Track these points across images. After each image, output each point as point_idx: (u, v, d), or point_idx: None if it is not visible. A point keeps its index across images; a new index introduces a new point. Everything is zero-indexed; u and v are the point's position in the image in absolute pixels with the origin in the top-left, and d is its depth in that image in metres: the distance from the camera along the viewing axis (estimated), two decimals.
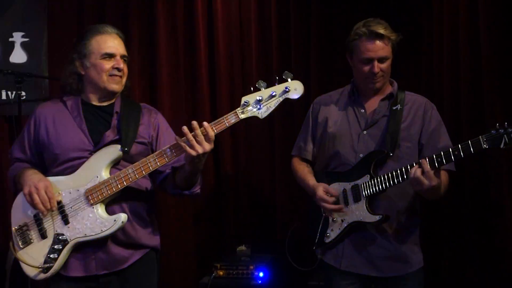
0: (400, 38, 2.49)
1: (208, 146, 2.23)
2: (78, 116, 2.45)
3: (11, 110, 3.55)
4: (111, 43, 2.43)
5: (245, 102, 2.24)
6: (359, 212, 2.43)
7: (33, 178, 2.34)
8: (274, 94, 2.23)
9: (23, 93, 3.51)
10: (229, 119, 2.27)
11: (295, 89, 2.23)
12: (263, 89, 2.24)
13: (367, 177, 2.43)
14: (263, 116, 2.25)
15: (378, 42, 2.44)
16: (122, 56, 2.46)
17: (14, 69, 3.43)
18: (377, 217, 2.39)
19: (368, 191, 2.42)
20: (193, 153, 2.22)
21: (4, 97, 3.63)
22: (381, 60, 2.46)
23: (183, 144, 2.22)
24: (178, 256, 3.68)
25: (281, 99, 2.24)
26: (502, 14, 2.85)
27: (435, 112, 2.53)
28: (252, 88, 2.26)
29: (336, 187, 2.51)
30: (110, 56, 2.42)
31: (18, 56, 3.69)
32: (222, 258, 3.53)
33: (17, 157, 2.51)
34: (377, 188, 2.39)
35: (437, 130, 2.49)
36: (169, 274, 3.66)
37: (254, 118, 2.28)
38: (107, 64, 2.42)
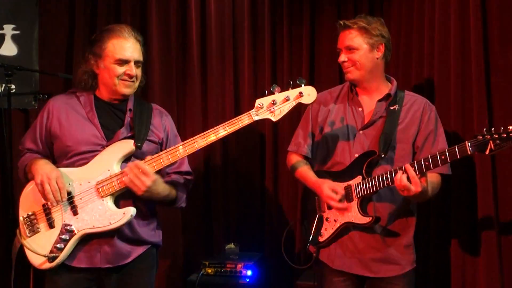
0: (379, 32, 2.49)
1: (148, 181, 2.31)
2: (91, 111, 2.48)
3: (0, 103, 3.51)
4: (126, 49, 2.44)
5: (259, 104, 2.30)
6: (351, 213, 2.45)
7: (45, 168, 2.36)
8: (288, 98, 2.28)
9: (13, 86, 3.46)
10: (243, 120, 2.32)
11: (308, 94, 2.29)
12: (277, 93, 2.29)
13: (359, 178, 2.44)
14: (276, 119, 2.31)
15: (343, 32, 2.53)
16: (136, 62, 2.48)
17: (4, 62, 3.39)
18: (367, 219, 2.41)
19: (360, 192, 2.43)
20: (139, 192, 2.32)
21: None
22: (347, 49, 2.51)
23: (128, 185, 2.32)
24: (166, 254, 3.67)
25: (294, 103, 2.30)
26: (492, 16, 2.87)
27: (433, 115, 2.52)
28: (266, 91, 2.31)
29: None
30: (124, 62, 2.44)
31: (9, 48, 3.64)
32: (210, 256, 3.54)
33: (28, 148, 2.53)
34: (368, 189, 2.41)
35: (434, 133, 2.49)
36: (157, 271, 3.66)
37: (263, 120, 2.33)
38: (120, 70, 2.44)
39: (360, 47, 2.49)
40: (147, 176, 2.30)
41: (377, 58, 2.52)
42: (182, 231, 3.78)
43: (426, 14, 3.19)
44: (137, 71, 2.49)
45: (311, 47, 3.70)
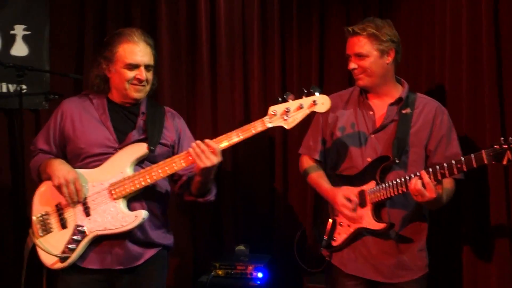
0: (389, 37, 2.45)
1: (215, 159, 2.32)
2: (104, 113, 2.49)
3: (12, 103, 3.52)
4: (136, 53, 2.45)
5: (272, 111, 2.29)
6: (365, 218, 2.44)
7: (62, 169, 2.37)
8: (301, 106, 2.27)
9: (24, 87, 3.47)
10: (256, 127, 2.32)
11: (322, 103, 2.28)
12: (291, 100, 2.29)
13: (373, 183, 2.43)
14: (289, 127, 2.30)
15: (352, 38, 2.49)
16: (147, 66, 2.48)
17: (15, 62, 3.40)
18: (381, 225, 2.41)
19: (374, 198, 2.42)
20: (202, 165, 2.30)
21: (4, 90, 3.58)
22: (357, 56, 2.48)
23: (194, 156, 2.31)
24: (176, 255, 3.68)
25: (308, 111, 2.29)
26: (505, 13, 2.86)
27: (446, 118, 2.50)
28: (279, 99, 2.30)
29: None
30: (134, 66, 2.45)
31: (19, 49, 3.64)
32: (221, 257, 3.54)
33: (41, 148, 2.54)
34: (382, 195, 2.40)
35: (447, 137, 2.47)
36: (167, 273, 3.66)
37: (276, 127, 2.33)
38: (130, 74, 2.46)
39: (370, 54, 2.46)
40: (215, 155, 2.31)
41: (388, 64, 2.49)
42: (192, 232, 3.78)
43: (437, 15, 3.17)
44: (147, 75, 2.49)
45: (321, 49, 3.69)
